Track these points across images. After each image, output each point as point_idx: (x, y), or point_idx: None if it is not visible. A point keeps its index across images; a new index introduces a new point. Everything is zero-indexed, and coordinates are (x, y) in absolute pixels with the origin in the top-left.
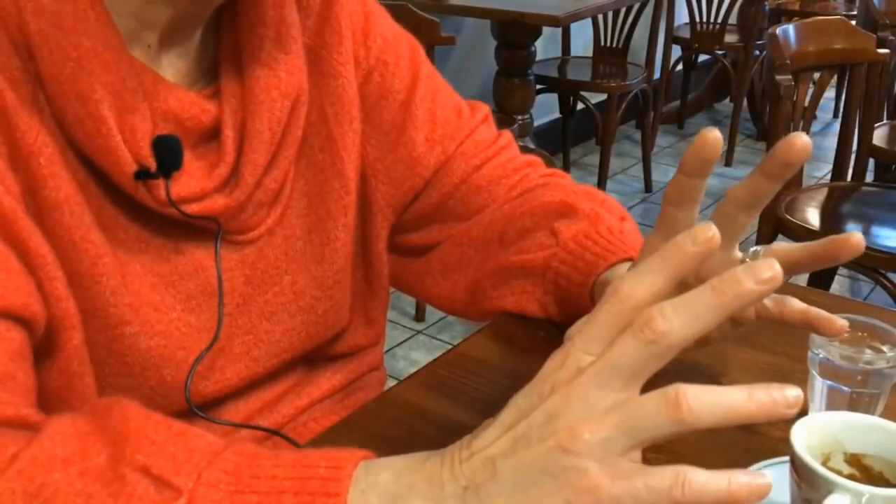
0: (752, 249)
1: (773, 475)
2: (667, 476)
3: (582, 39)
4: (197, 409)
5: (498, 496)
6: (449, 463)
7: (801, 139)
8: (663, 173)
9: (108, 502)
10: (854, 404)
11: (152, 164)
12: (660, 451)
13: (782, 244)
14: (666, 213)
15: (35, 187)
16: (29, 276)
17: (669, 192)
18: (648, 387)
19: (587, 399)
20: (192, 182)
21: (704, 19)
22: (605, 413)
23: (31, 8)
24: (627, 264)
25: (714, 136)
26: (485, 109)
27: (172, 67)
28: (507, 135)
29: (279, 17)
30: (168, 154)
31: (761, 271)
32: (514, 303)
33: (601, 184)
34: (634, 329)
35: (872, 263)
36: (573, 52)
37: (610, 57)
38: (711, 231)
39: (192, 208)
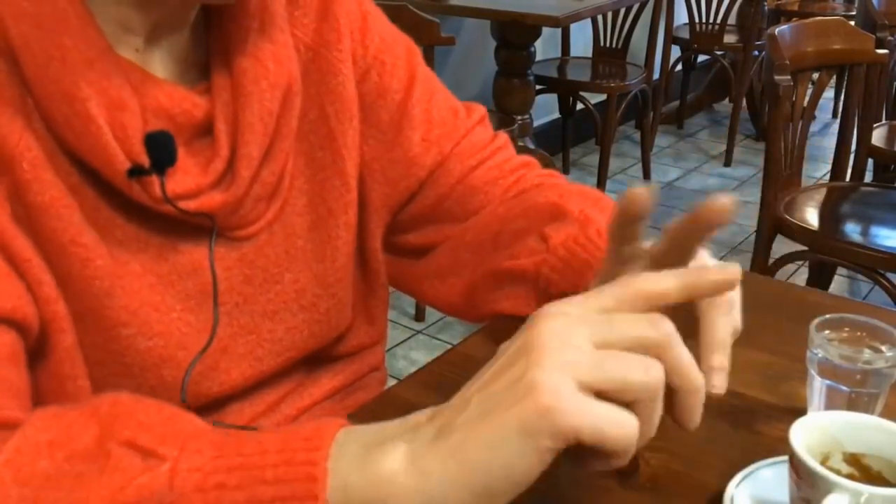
0: None
1: (773, 475)
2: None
3: (581, 40)
4: (196, 412)
5: (465, 424)
6: (431, 411)
7: (721, 202)
8: (663, 173)
9: (97, 478)
10: (853, 404)
11: (145, 160)
12: (659, 451)
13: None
14: (610, 250)
15: (20, 191)
16: (18, 279)
17: (611, 230)
18: None
19: (568, 335)
20: (188, 178)
21: (704, 20)
22: (582, 344)
23: (11, 12)
24: None
25: (639, 194)
26: (481, 110)
27: (162, 65)
28: (504, 136)
29: (262, 7)
30: (161, 150)
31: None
32: (509, 307)
33: (601, 184)
34: (649, 316)
35: (871, 263)
36: (573, 53)
37: (609, 57)
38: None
39: (189, 205)
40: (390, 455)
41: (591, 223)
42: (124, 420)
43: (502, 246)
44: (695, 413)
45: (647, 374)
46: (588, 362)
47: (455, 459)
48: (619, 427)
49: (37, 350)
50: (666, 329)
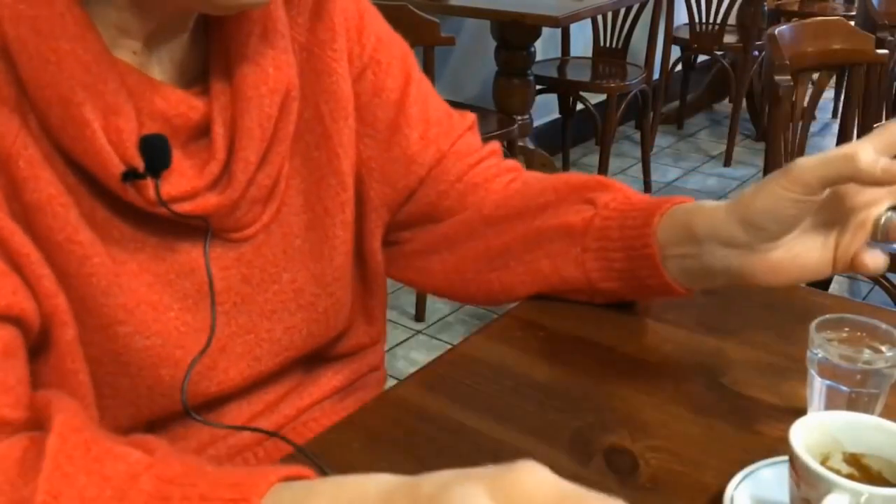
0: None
1: (772, 475)
2: None
3: (581, 40)
4: (195, 411)
5: None
6: None
7: None
8: (662, 173)
9: None
10: (853, 404)
11: (140, 164)
12: (659, 451)
13: None
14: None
15: (17, 189)
16: (14, 275)
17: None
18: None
19: None
20: (184, 181)
21: (703, 20)
22: None
23: (8, 15)
24: (687, 205)
25: None
26: (472, 117)
27: (161, 67)
28: (496, 143)
29: (265, 12)
30: (156, 153)
31: None
32: (549, 265)
33: None
34: None
35: None
36: (573, 53)
37: (609, 57)
38: None
39: (184, 207)
40: None
41: (633, 192)
42: (48, 473)
43: (534, 213)
44: None
45: None
46: None
47: None
48: None
49: (39, 344)
50: None
